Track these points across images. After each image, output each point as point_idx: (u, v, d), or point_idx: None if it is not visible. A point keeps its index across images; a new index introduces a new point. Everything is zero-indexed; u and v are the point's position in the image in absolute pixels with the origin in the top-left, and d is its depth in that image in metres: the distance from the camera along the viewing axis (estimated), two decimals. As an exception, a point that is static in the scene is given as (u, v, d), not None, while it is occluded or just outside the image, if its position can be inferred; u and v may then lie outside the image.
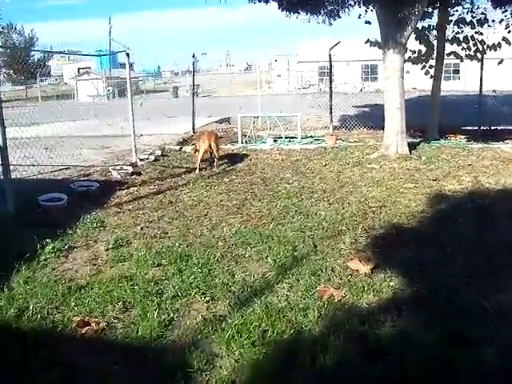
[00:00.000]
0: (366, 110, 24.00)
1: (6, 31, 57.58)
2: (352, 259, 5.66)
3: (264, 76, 53.88)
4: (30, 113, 27.23)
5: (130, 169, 10.48)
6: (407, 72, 33.62)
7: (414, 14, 10.83)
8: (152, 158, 11.80)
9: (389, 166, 10.61)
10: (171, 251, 6.05)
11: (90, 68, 60.46)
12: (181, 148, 13.25)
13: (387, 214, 7.42)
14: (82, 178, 10.16)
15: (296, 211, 7.58)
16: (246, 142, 14.12)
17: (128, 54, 11.27)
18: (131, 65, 65.64)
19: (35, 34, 65.93)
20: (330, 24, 13.28)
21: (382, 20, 11.23)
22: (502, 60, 15.45)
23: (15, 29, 63.87)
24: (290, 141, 14.23)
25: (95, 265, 5.88)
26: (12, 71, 57.53)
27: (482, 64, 15.42)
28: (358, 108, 23.78)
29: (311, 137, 14.69)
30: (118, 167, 10.64)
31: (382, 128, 15.55)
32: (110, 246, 6.36)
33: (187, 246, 6.27)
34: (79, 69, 63.29)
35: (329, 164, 11.00)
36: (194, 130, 16.21)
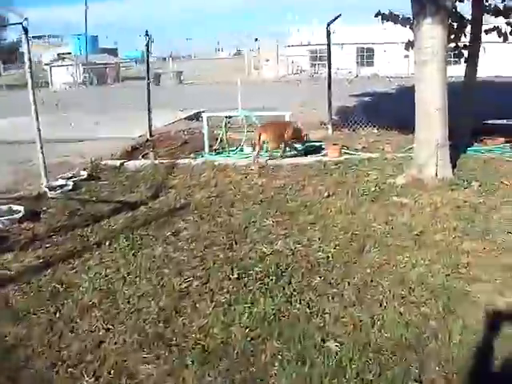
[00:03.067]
0: (367, 99, 20.08)
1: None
2: None
3: (252, 62, 49.93)
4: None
5: (22, 210, 6.45)
6: (406, 56, 28.92)
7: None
8: (70, 184, 7.76)
9: (428, 200, 6.68)
10: None
11: (70, 53, 55.84)
12: (122, 164, 9.19)
13: (467, 345, 3.55)
14: None
15: (283, 346, 3.65)
16: (217, 150, 10.14)
17: (26, 29, 7.18)
18: (114, 50, 61.34)
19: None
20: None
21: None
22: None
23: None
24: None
25: None
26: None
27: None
28: (357, 97, 19.85)
29: (305, 142, 10.66)
30: (5, 207, 6.63)
31: (396, 128, 11.80)
32: None
33: None
34: (59, 54, 58.39)
35: (334, 195, 7.06)
36: (151, 133, 12.15)
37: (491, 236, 5.51)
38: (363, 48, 45.33)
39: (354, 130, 12.00)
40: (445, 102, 7.24)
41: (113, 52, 63.05)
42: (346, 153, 9.45)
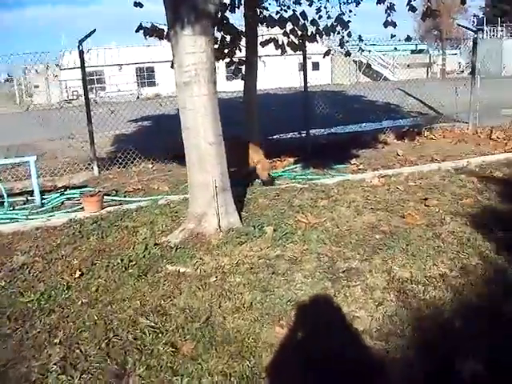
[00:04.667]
0: (147, 124, 18.53)
1: None
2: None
3: (23, 88, 45.71)
4: None
5: None
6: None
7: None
8: None
9: (213, 264, 5.20)
10: None
11: None
12: None
13: None
14: None
15: None
16: None
17: None
18: None
19: None
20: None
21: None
22: (329, 50, 11.18)
23: None
24: (26, 203, 8.15)
25: None
26: None
27: (305, 55, 10.91)
28: (137, 123, 18.20)
29: (63, 191, 8.63)
30: None
31: (174, 158, 10.32)
32: None
33: None
34: None
35: (90, 272, 5.23)
36: None
37: (297, 312, 4.21)
38: (143, 68, 43.99)
39: (125, 167, 10.25)
40: (219, 133, 5.84)
41: None
42: (113, 200, 7.74)
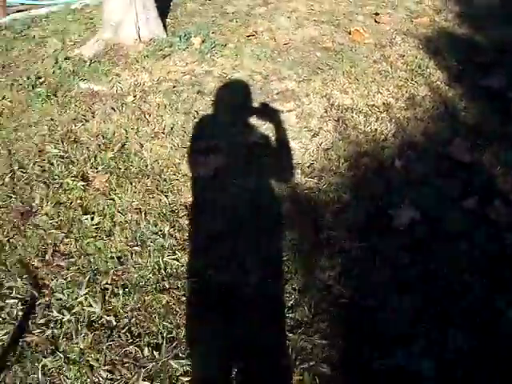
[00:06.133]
0: None
1: None
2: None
3: None
4: None
5: None
6: None
7: None
8: None
9: (131, 81, 4.67)
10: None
11: None
12: None
13: None
14: None
15: None
16: None
17: None
18: None
19: None
20: None
21: None
22: None
23: None
24: None
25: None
26: None
27: None
28: None
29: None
30: None
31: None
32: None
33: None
34: None
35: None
36: None
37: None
38: None
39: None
40: None
41: None
42: (21, 4, 6.83)
